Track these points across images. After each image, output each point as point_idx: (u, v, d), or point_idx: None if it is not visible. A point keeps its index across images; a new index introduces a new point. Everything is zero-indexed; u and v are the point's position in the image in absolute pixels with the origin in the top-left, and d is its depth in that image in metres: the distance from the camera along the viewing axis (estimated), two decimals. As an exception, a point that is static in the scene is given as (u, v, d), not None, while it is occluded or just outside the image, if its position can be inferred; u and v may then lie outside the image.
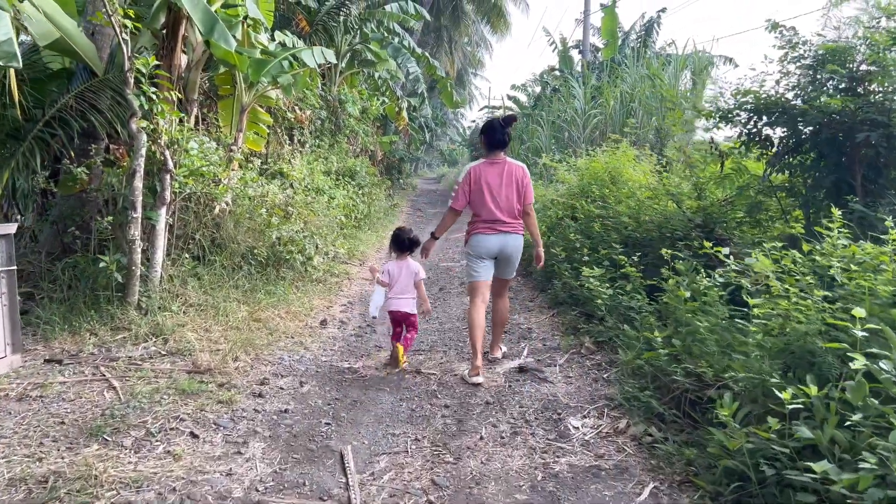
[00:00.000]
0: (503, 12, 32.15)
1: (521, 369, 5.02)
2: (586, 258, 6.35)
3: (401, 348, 5.04)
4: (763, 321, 3.46)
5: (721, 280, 4.02)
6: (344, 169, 12.16)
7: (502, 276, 5.14)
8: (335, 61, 8.22)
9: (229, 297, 6.19)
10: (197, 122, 8.36)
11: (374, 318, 5.34)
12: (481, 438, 3.83)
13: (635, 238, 6.48)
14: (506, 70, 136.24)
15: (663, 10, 23.94)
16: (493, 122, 5.04)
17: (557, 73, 25.39)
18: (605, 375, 4.84)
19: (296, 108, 10.77)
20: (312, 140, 11.98)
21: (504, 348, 5.47)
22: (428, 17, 16.41)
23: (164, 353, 4.96)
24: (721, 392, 3.51)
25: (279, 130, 9.79)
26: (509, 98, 29.43)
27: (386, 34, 14.89)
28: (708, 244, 4.15)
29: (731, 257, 4.13)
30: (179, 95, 6.50)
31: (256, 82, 7.34)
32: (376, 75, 15.90)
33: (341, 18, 13.85)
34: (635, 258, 5.68)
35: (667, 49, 21.11)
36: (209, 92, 8.55)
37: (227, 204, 6.89)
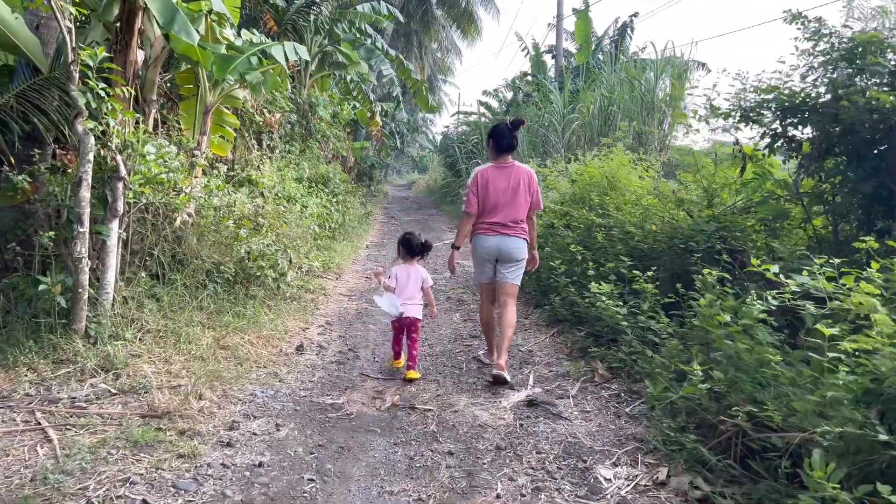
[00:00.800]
0: (474, 17, 31.69)
1: (531, 403, 4.38)
2: (591, 272, 5.75)
3: (416, 374, 4.93)
4: (848, 358, 2.86)
5: (775, 303, 3.43)
6: (316, 175, 11.43)
7: (505, 279, 5.02)
8: (308, 58, 7.53)
9: (192, 321, 5.44)
10: (156, 125, 7.58)
11: (400, 314, 5.04)
12: (498, 497, 3.18)
13: (641, 249, 5.91)
14: (476, 77, 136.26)
15: (636, 14, 23.69)
16: (501, 126, 5.02)
17: (530, 78, 24.95)
18: (627, 410, 4.22)
19: (264, 110, 10.03)
20: (282, 145, 11.24)
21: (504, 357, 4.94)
22: (401, 17, 15.77)
23: (114, 391, 4.21)
24: (787, 437, 2.93)
25: (247, 134, 9.05)
26: (481, 104, 28.91)
27: (358, 35, 14.21)
28: (755, 262, 3.55)
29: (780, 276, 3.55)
30: (132, 91, 5.74)
31: (221, 80, 6.62)
32: (348, 78, 15.19)
33: (311, 18, 13.14)
34: (649, 273, 5.10)
35: (640, 53, 20.82)
36: (170, 93, 7.79)
37: (189, 215, 6.14)
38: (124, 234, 5.28)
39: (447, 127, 37.57)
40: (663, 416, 3.82)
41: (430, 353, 5.68)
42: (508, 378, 4.68)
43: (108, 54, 5.37)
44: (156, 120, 7.55)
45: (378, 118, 17.12)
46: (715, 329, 3.89)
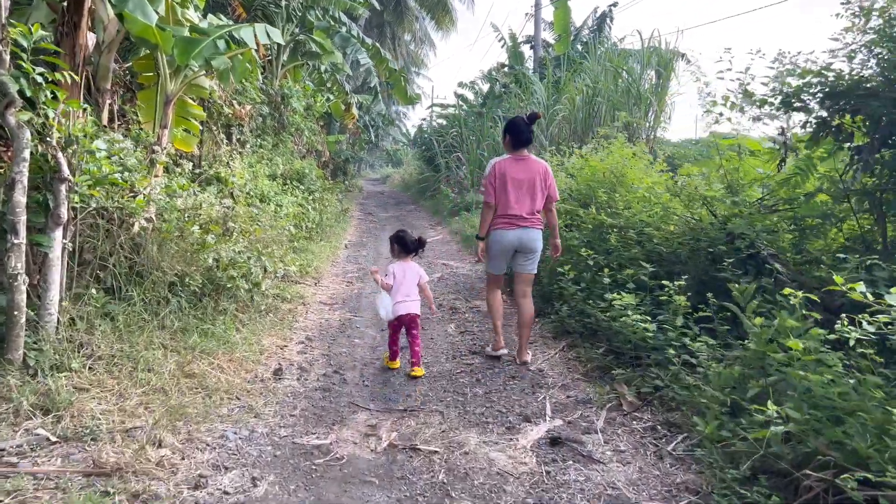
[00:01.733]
0: (448, 7, 30.89)
1: (554, 441, 3.71)
2: (606, 279, 5.10)
3: (421, 371, 4.90)
4: None
5: (871, 330, 2.80)
6: (291, 172, 10.63)
7: (524, 270, 5.19)
8: (282, 42, 6.76)
9: (153, 344, 4.67)
10: (112, 118, 6.76)
11: (391, 319, 5.05)
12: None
13: (661, 253, 5.28)
14: (450, 70, 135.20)
15: (615, 3, 23.19)
16: (517, 119, 5.08)
17: (508, 69, 24.29)
18: (670, 449, 3.57)
19: (234, 101, 9.20)
20: (254, 139, 10.42)
21: (530, 354, 5.26)
22: (376, 4, 14.98)
23: (54, 439, 3.45)
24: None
25: (215, 128, 8.23)
26: (457, 96, 28.16)
27: (332, 23, 13.38)
28: (839, 279, 2.90)
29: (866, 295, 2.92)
30: (77, 78, 4.96)
31: (184, 67, 5.82)
32: (322, 68, 14.36)
33: (283, 4, 12.30)
34: (679, 283, 4.47)
35: (620, 43, 20.29)
36: (129, 82, 6.96)
37: (148, 220, 5.36)
38: (70, 244, 4.49)
39: (423, 119, 36.78)
40: (721, 461, 3.18)
41: (427, 374, 4.98)
42: (507, 350, 5.23)
43: (46, 33, 4.58)
44: (111, 112, 6.75)
45: (354, 110, 16.31)
46: (774, 354, 3.27)
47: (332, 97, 17.28)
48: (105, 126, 6.32)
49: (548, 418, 4.04)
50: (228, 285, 5.47)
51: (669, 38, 35.80)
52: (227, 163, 8.15)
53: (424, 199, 21.36)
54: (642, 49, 15.03)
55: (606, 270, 5.13)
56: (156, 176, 5.65)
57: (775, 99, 4.40)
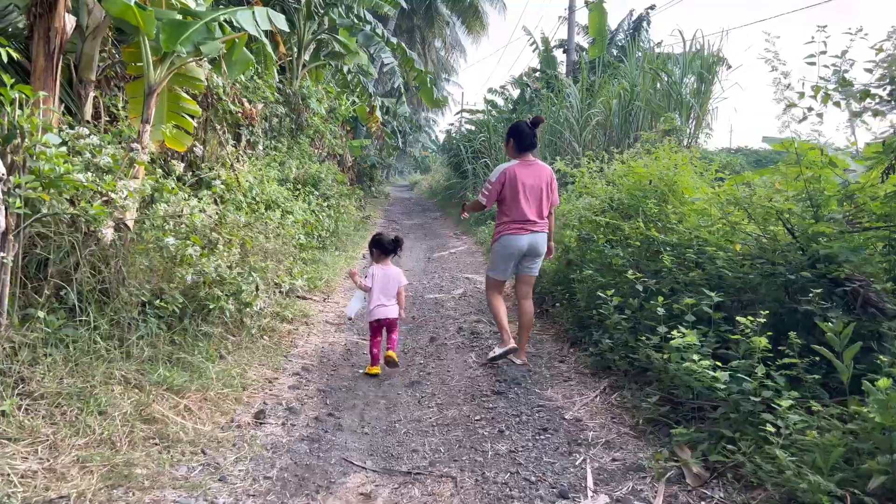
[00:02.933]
0: (479, 12, 30.12)
1: (600, 530, 2.80)
2: (661, 309, 4.16)
3: (394, 354, 4.87)
4: None
5: None
6: (306, 176, 9.84)
7: (528, 272, 5.22)
8: (285, 28, 5.96)
9: (112, 377, 3.86)
10: (98, 114, 6.03)
11: (349, 319, 5.29)
12: None
13: (724, 278, 4.33)
14: (479, 76, 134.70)
15: (652, 6, 22.20)
16: (520, 124, 5.11)
17: (539, 74, 23.36)
18: (760, 552, 2.64)
19: (244, 99, 8.45)
20: (266, 140, 9.66)
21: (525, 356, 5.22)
22: (403, 3, 14.18)
23: (-51, 515, 2.64)
24: None
25: (219, 126, 7.47)
26: (486, 102, 27.29)
27: (356, 21, 12.62)
28: None
29: None
30: (16, 58, 4.20)
31: (171, 53, 5.03)
32: (345, 69, 13.60)
33: (303, 0, 11.56)
34: (760, 319, 3.53)
35: (658, 47, 19.30)
36: (119, 73, 6.23)
37: (122, 227, 4.57)
38: (8, 259, 3.70)
39: (452, 124, 36.00)
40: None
41: (438, 420, 4.09)
42: (515, 345, 5.04)
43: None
44: (97, 106, 6.02)
45: (378, 113, 15.52)
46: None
47: (357, 101, 16.55)
48: (88, 122, 5.60)
49: (590, 494, 3.12)
50: (212, 306, 4.64)
51: (712, 39, 34.46)
52: (231, 165, 7.37)
53: (451, 206, 20.51)
54: (683, 51, 14.01)
55: (661, 299, 4.18)
56: (134, 177, 4.86)
57: (884, 89, 3.44)
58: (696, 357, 3.47)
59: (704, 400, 3.72)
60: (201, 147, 7.54)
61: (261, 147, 9.32)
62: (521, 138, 5.05)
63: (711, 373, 3.39)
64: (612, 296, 4.72)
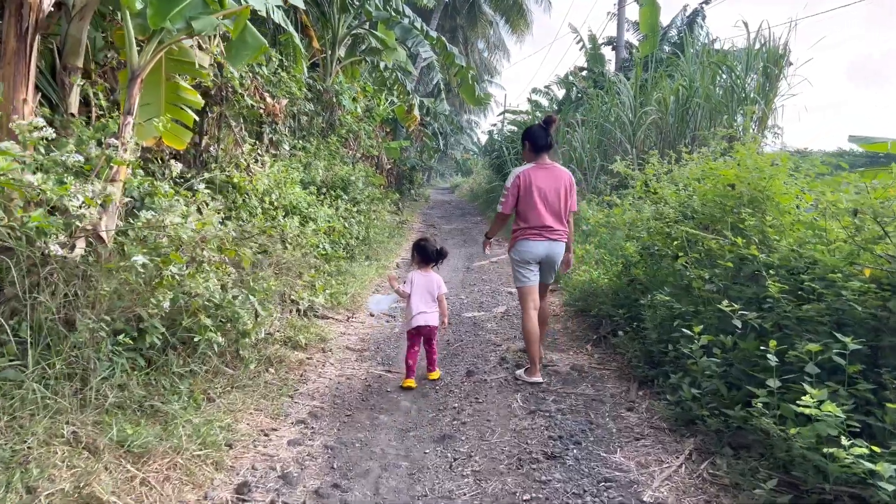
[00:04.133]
0: (523, 10, 29.03)
1: None
2: (773, 359, 3.09)
3: (437, 375, 4.78)
4: None
5: None
6: (334, 179, 8.94)
7: (544, 280, 4.96)
8: (302, 6, 5.05)
9: (56, 433, 2.98)
10: (88, 105, 5.22)
11: (371, 315, 5.42)
12: None
13: (855, 314, 3.23)
14: (522, 77, 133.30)
15: (706, 1, 20.84)
16: (533, 127, 4.91)
17: (587, 72, 22.17)
18: None
19: (266, 94, 7.60)
20: (294, 140, 8.82)
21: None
22: (445, -4, 13.23)
23: None
24: None
25: (235, 123, 6.62)
26: (530, 102, 26.19)
27: (393, 13, 11.71)
28: None
29: None
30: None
31: (158, 31, 4.16)
32: (382, 65, 12.70)
33: (337, -11, 10.71)
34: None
35: (712, 44, 17.97)
36: (110, 60, 5.41)
37: (94, 242, 3.71)
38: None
39: (494, 125, 34.94)
40: None
41: (475, 497, 3.09)
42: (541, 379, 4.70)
43: None
44: (87, 97, 5.20)
45: (416, 112, 14.59)
46: None
47: (395, 100, 15.69)
48: (73, 115, 4.78)
49: None
50: (197, 338, 3.74)
51: (777, 31, 32.72)
52: (247, 166, 6.52)
53: (492, 209, 19.47)
54: (748, 43, 12.72)
55: (773, 343, 3.11)
56: (111, 181, 3.99)
57: None
58: (843, 439, 2.40)
59: (841, 485, 2.65)
60: (215, 145, 6.73)
61: (286, 147, 8.47)
62: (535, 140, 4.80)
63: (869, 464, 2.32)
64: (699, 332, 3.65)
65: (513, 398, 4.38)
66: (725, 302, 3.58)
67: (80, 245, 3.82)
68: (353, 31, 12.28)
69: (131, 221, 4.18)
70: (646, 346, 4.70)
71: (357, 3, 11.55)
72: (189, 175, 6.05)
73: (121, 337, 3.38)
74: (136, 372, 3.58)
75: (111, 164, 3.97)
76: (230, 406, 3.75)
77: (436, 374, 4.77)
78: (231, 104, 6.62)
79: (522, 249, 4.76)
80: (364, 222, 8.98)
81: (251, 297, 4.04)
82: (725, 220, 4.74)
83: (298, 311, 5.91)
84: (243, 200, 6.03)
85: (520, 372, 4.84)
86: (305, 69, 9.48)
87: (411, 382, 4.57)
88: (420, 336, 4.72)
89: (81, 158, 3.78)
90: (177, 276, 3.71)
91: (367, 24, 13.85)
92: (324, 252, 6.96)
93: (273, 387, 4.21)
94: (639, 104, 13.38)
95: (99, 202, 3.56)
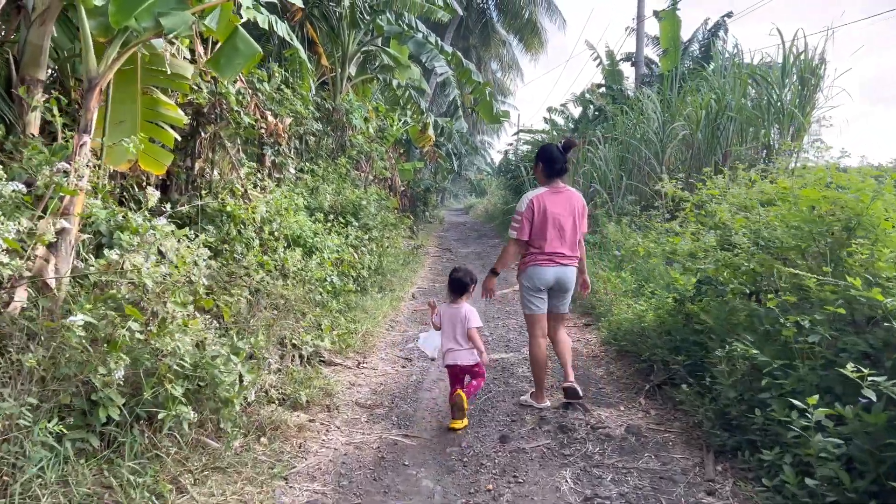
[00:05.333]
0: (538, 28, 28.37)
1: None
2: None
3: (463, 398, 4.10)
4: None
5: None
6: (344, 204, 8.14)
7: (558, 311, 4.68)
8: (300, 4, 4.29)
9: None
10: (49, 124, 4.46)
11: (433, 359, 4.94)
12: None
13: None
14: (536, 96, 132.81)
15: (729, 14, 20.09)
16: (551, 148, 4.65)
17: (604, 89, 21.42)
18: None
19: (268, 112, 6.85)
20: (299, 162, 8.06)
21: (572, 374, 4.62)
22: (459, 10, 12.56)
23: None
24: None
25: (230, 144, 5.85)
26: (546, 121, 25.46)
27: (406, 28, 11.01)
28: None
29: None
30: None
31: (122, 31, 3.40)
32: (395, 83, 11.98)
33: (346, 2, 10.01)
34: None
35: (736, 57, 17.16)
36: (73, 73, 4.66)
37: (23, 297, 2.92)
38: None
39: (510, 144, 34.22)
40: None
41: None
42: (580, 390, 4.50)
43: None
44: (51, 113, 4.44)
45: (430, 131, 13.84)
46: None
47: (409, 120, 14.97)
48: (32, 135, 4.03)
49: None
50: (161, 415, 2.91)
51: (812, 41, 31.96)
52: (244, 192, 5.74)
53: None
54: (783, 51, 11.86)
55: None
56: (62, 214, 3.20)
57: None
58: None
59: None
60: (209, 169, 5.97)
61: (292, 170, 7.70)
62: (551, 163, 4.55)
63: None
64: (813, 405, 2.78)
65: (560, 476, 3.50)
66: (851, 366, 2.70)
67: (20, 296, 3.03)
68: (364, 48, 11.59)
69: (92, 264, 3.39)
70: (719, 405, 3.81)
71: (367, 18, 10.86)
72: (178, 203, 5.29)
73: (51, 424, 2.54)
74: (83, 461, 2.76)
75: (56, 195, 3.18)
76: (207, 500, 2.91)
77: (458, 424, 4.16)
78: (226, 123, 5.86)
79: (534, 275, 4.51)
80: (377, 251, 8.17)
81: (233, 357, 3.21)
82: (812, 251, 3.88)
83: (301, 357, 5.09)
84: (238, 232, 5.24)
85: (525, 397, 4.67)
86: (313, 86, 8.75)
87: (458, 423, 4.17)
88: (459, 374, 4.31)
89: (21, 188, 3.01)
90: (137, 335, 2.89)
91: (379, 39, 13.19)
92: (331, 287, 6.14)
93: (264, 465, 3.36)
94: (668, 119, 12.55)
95: (35, 241, 2.76)
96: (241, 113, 5.83)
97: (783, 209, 4.30)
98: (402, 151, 17.89)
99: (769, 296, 3.63)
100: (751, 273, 4.07)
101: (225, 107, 5.83)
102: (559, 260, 4.48)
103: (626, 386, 5.05)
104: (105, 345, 2.82)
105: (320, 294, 5.77)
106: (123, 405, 2.98)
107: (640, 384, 5.00)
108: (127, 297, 2.99)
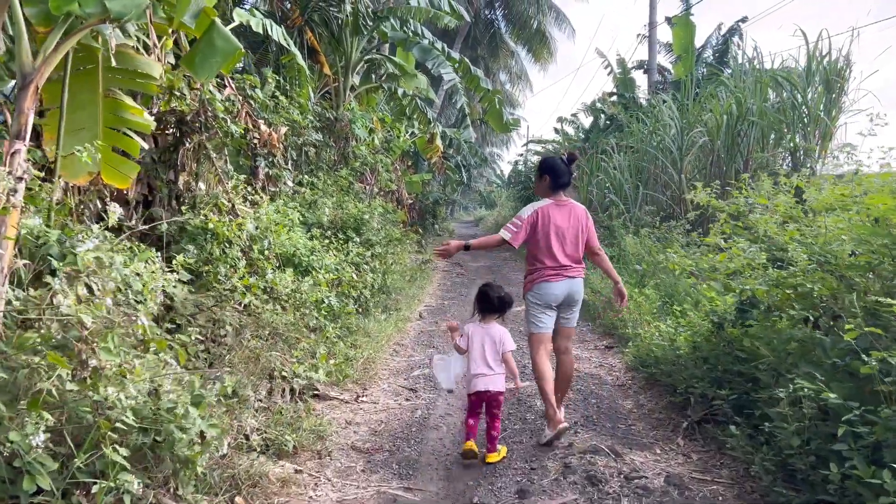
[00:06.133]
0: (546, 38, 27.85)
1: None
2: None
3: (497, 456, 3.78)
4: None
5: None
6: (345, 218, 7.57)
7: (566, 325, 4.39)
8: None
9: None
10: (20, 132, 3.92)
11: (450, 391, 4.58)
12: None
13: None
14: (545, 107, 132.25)
15: (743, 19, 19.52)
16: (555, 160, 4.43)
17: (616, 97, 20.84)
18: None
19: (260, 121, 6.32)
20: (297, 175, 7.52)
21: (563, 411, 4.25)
22: (467, 16, 12.05)
23: None
24: None
25: (216, 155, 5.31)
26: (557, 132, 24.90)
27: (411, 35, 10.49)
28: None
29: None
30: None
31: (62, 18, 2.85)
32: (401, 92, 11.45)
33: (348, 7, 9.51)
34: None
35: (751, 62, 16.56)
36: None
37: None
38: None
39: (521, 154, 33.67)
40: None
41: None
42: (567, 424, 4.08)
43: None
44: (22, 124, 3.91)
45: (438, 141, 13.29)
46: None
47: (416, 132, 14.44)
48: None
49: None
50: (95, 487, 2.32)
51: (836, 42, 31.39)
52: (232, 207, 5.19)
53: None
54: (807, 52, 11.24)
55: None
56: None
57: None
58: None
59: None
60: (195, 183, 5.43)
61: (289, 182, 7.16)
62: (556, 175, 4.32)
63: None
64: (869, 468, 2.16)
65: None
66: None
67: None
68: (368, 56, 11.08)
69: (31, 295, 2.83)
70: (781, 454, 3.18)
71: (371, 24, 10.35)
72: (160, 219, 4.75)
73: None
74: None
75: (-9, 212, 2.63)
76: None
77: (495, 457, 3.79)
78: (214, 133, 5.32)
79: (542, 292, 4.23)
80: (380, 268, 7.59)
81: (191, 409, 2.63)
82: (884, 270, 3.26)
83: (292, 391, 4.51)
84: (222, 251, 4.68)
85: (545, 434, 4.10)
86: (312, 94, 8.23)
87: (472, 445, 3.77)
88: (481, 402, 3.90)
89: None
90: (69, 385, 2.32)
91: (386, 48, 12.69)
92: (328, 310, 5.56)
93: (233, 537, 2.77)
94: (687, 126, 11.92)
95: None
96: (229, 121, 5.28)
97: (842, 220, 3.68)
98: (409, 164, 17.36)
99: (846, 324, 2.99)
100: (809, 295, 3.45)
101: (211, 114, 5.30)
102: (567, 273, 4.23)
103: (659, 422, 4.42)
104: (24, 401, 2.24)
105: (315, 318, 5.19)
106: (60, 469, 2.41)
107: (676, 419, 4.37)
108: (58, 338, 2.42)
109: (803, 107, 10.84)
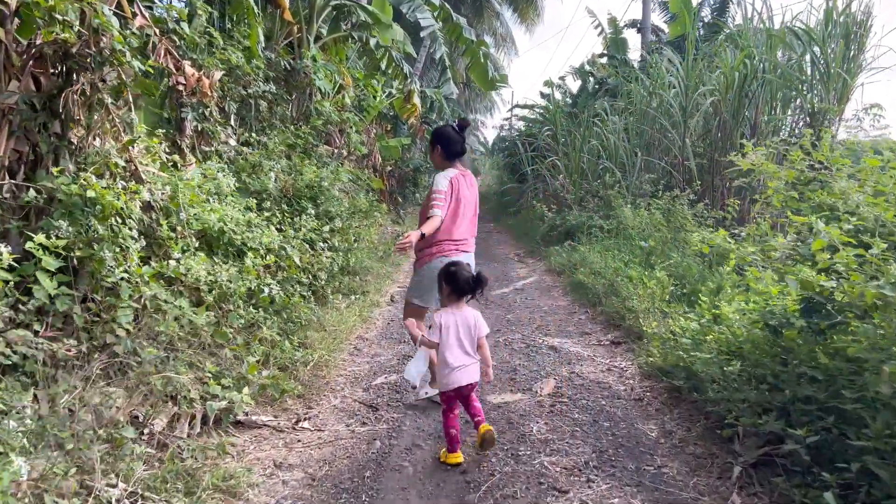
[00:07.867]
0: (533, -3, 26.26)
1: None
2: None
3: (490, 428, 3.32)
4: None
5: None
6: (299, 186, 6.23)
7: None
8: None
9: None
10: None
11: (414, 387, 4.14)
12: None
13: None
14: (530, 72, 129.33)
15: (744, -26, 18.16)
16: (446, 128, 4.17)
17: (607, 59, 19.48)
18: None
19: (185, 62, 4.99)
20: (241, 131, 6.20)
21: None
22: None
23: None
24: None
25: (116, 104, 4.00)
26: (543, 96, 23.47)
27: (384, -23, 9.07)
28: None
29: None
30: None
31: None
32: (373, 42, 10.03)
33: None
34: None
35: (756, 18, 15.29)
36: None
37: None
38: None
39: (506, 120, 32.25)
40: None
41: None
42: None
43: None
44: None
45: (416, 99, 11.89)
46: None
47: (394, 92, 13.04)
48: None
49: None
50: None
51: None
52: (134, 170, 3.89)
53: (507, 216, 16.86)
54: (827, 5, 10.00)
55: None
56: None
57: None
58: None
59: None
60: (91, 139, 4.14)
61: (231, 141, 5.84)
62: (449, 143, 4.04)
63: None
64: None
65: None
66: None
67: None
68: (336, 2, 9.63)
69: None
70: (815, 476, 2.02)
71: (338, -37, 8.91)
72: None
73: None
74: None
75: None
76: None
77: (487, 426, 3.34)
78: (110, 69, 4.01)
79: (438, 266, 3.78)
80: (342, 245, 6.31)
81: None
82: None
83: (204, 420, 3.30)
84: (110, 228, 3.41)
85: (424, 391, 4.12)
86: (262, 36, 6.85)
87: (458, 457, 3.30)
88: (458, 399, 3.42)
89: None
90: None
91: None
92: (266, 302, 4.32)
93: None
94: (693, 85, 10.67)
95: None
96: (129, 55, 3.96)
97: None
98: (388, 128, 15.94)
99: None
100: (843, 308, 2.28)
101: (105, 45, 3.97)
102: (465, 248, 4.06)
103: (698, 462, 3.25)
104: None
105: (240, 317, 3.95)
106: None
107: (721, 457, 3.22)
108: None
109: (822, 62, 9.61)
